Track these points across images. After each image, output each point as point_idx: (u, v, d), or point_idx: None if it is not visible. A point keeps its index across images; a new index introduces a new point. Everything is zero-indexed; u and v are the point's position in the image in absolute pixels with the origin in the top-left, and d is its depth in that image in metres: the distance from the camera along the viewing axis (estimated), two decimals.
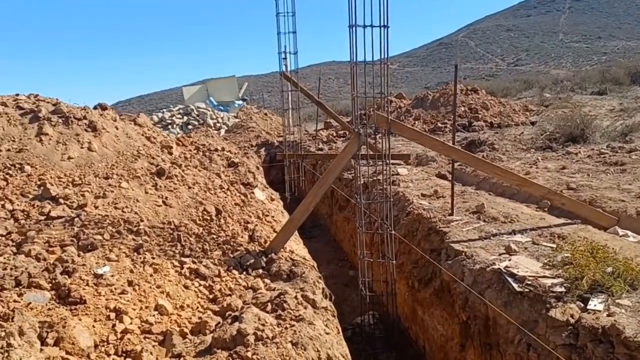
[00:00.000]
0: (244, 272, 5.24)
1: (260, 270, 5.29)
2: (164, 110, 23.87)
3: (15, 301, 3.75)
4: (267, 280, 5.07)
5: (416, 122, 16.78)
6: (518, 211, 6.72)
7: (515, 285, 4.45)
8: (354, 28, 5.23)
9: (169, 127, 20.15)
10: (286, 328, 3.77)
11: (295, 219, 5.96)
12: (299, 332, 3.66)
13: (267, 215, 7.17)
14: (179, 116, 21.02)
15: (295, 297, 4.36)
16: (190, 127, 20.27)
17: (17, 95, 6.78)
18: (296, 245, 6.85)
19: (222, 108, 27.12)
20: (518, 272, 4.62)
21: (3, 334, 2.74)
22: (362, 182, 6.24)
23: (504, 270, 4.74)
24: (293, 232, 6.10)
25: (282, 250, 5.78)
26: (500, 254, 5.21)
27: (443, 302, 5.61)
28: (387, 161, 5.87)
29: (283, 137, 14.08)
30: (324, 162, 13.00)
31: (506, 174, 6.37)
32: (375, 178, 7.95)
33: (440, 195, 7.77)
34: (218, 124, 20.94)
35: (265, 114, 22.29)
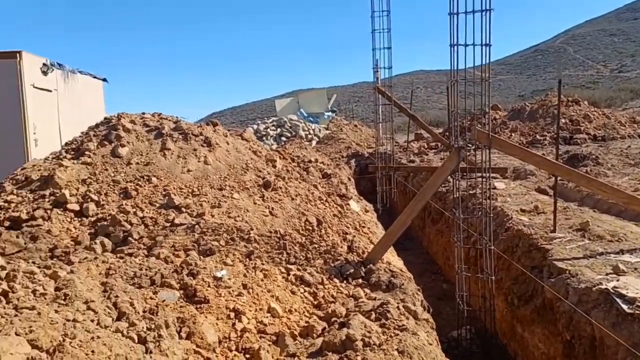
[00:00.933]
0: (345, 281, 5.51)
1: (360, 280, 5.53)
2: (259, 122, 25.02)
3: (151, 298, 4.27)
4: (367, 290, 5.30)
5: (512, 134, 16.32)
6: (626, 230, 6.45)
7: (624, 307, 4.34)
8: (455, 47, 5.37)
9: (264, 138, 21.12)
10: (391, 336, 3.97)
11: (393, 231, 6.15)
12: (404, 341, 3.86)
13: (363, 227, 7.43)
14: (273, 128, 21.97)
15: (397, 308, 4.56)
16: (283, 138, 21.12)
17: (144, 114, 7.60)
18: (392, 257, 7.04)
19: (312, 119, 27.91)
20: (628, 293, 4.50)
21: (153, 325, 3.20)
22: (458, 195, 6.30)
23: (612, 290, 4.63)
24: (390, 244, 6.30)
25: (379, 261, 6.00)
26: (607, 274, 5.08)
27: (545, 320, 5.53)
28: (487, 175, 5.91)
29: (374, 149, 14.31)
30: (416, 174, 13.06)
31: (613, 192, 6.15)
32: (471, 192, 7.94)
33: (540, 211, 7.61)
34: (309, 136, 21.63)
35: (355, 126, 22.66)
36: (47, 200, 5.96)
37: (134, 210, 5.88)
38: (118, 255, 5.20)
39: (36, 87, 14.23)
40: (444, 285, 9.62)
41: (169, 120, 7.46)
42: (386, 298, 4.88)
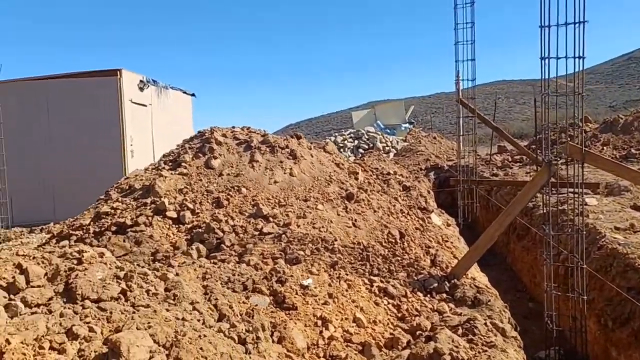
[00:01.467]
0: (428, 295, 5.51)
1: (444, 295, 5.51)
2: (336, 134, 25.35)
3: (244, 302, 4.52)
4: (451, 305, 5.26)
5: (604, 147, 15.42)
6: None
7: None
8: (546, 60, 5.26)
9: (341, 150, 21.36)
10: (479, 352, 3.95)
11: (480, 246, 6.06)
12: (493, 357, 3.82)
13: (446, 241, 7.37)
14: (350, 140, 22.19)
15: (485, 324, 4.51)
16: (360, 150, 21.27)
17: (234, 127, 8.03)
18: (477, 273, 6.92)
19: (388, 131, 27.85)
20: None
21: (251, 328, 3.41)
22: (547, 211, 6.10)
23: None
24: (476, 259, 6.21)
25: (464, 276, 5.93)
26: None
27: None
28: (580, 191, 5.70)
29: (455, 162, 14.06)
30: (500, 188, 12.68)
31: None
32: (561, 207, 7.64)
33: (637, 229, 7.17)
34: (387, 148, 21.63)
35: (435, 138, 22.38)
36: (148, 207, 6.45)
37: (226, 218, 6.23)
38: (212, 260, 5.54)
39: (133, 102, 15.40)
40: (530, 304, 9.25)
41: (257, 133, 7.84)
42: (472, 314, 4.83)
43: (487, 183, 12.90)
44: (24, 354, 2.37)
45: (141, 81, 15.83)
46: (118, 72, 14.64)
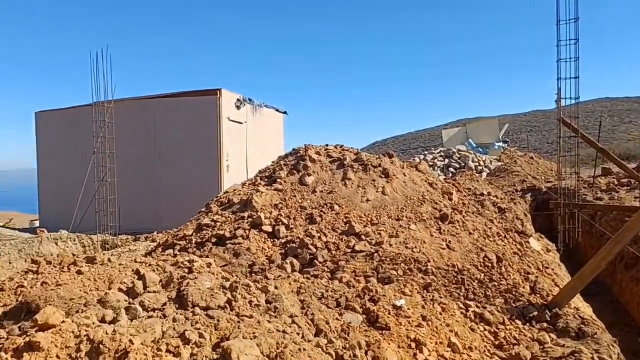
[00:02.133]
0: (528, 324, 5.25)
1: (545, 324, 5.22)
2: (425, 152, 24.95)
3: (337, 319, 4.57)
4: (553, 335, 4.98)
5: None
6: None
7: None
8: None
9: (431, 169, 20.91)
10: None
11: (584, 275, 5.69)
12: None
13: (547, 268, 6.99)
14: (441, 159, 21.72)
15: (592, 358, 4.22)
16: (451, 169, 20.75)
17: (327, 145, 8.21)
18: (580, 303, 6.50)
19: (481, 150, 26.95)
20: None
21: (348, 345, 3.45)
22: None
23: None
24: (580, 289, 5.83)
25: (566, 306, 5.59)
26: None
27: None
28: None
29: (555, 184, 13.31)
30: (605, 213, 11.82)
31: None
32: None
33: None
34: (480, 167, 20.92)
35: (532, 158, 21.33)
36: (246, 221, 6.74)
37: (319, 235, 6.35)
38: (305, 275, 5.66)
39: (231, 120, 16.22)
40: None
41: (350, 151, 7.95)
42: (577, 347, 4.54)
43: (590, 207, 12.07)
44: (145, 355, 2.58)
45: (238, 100, 16.64)
46: (218, 92, 15.52)
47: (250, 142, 17.64)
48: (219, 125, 15.48)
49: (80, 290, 3.54)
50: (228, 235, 6.53)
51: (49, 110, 18.14)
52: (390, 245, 6.18)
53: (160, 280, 3.54)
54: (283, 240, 6.39)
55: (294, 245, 6.22)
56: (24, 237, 15.48)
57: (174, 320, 3.15)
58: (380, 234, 6.36)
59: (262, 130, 18.52)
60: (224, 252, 6.04)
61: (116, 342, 2.64)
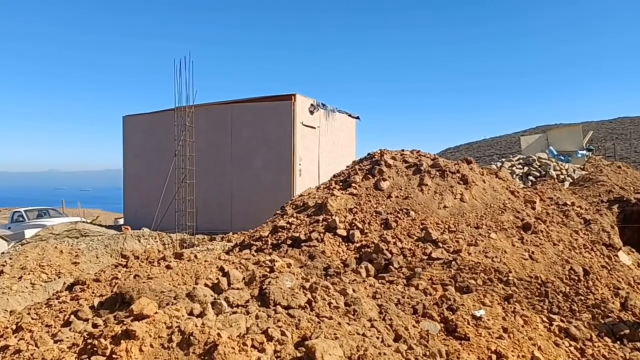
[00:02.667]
0: (618, 342, 4.92)
1: (638, 344, 4.87)
2: (503, 160, 24.04)
3: (414, 326, 4.49)
4: None
5: None
6: None
7: None
8: None
9: (511, 177, 20.05)
10: None
11: None
12: None
13: (638, 284, 6.51)
14: (519, 166, 20.81)
15: None
16: (531, 178, 19.83)
17: (403, 150, 8.12)
18: None
19: (562, 158, 25.57)
20: None
21: (428, 352, 3.38)
22: None
23: None
24: None
25: None
26: None
27: None
28: None
29: None
30: None
31: None
32: None
33: None
34: (562, 176, 19.82)
35: (619, 167, 19.96)
36: (320, 224, 6.80)
37: (394, 240, 6.28)
38: (380, 280, 5.61)
39: (304, 125, 16.45)
40: None
41: (427, 157, 7.81)
42: None
43: None
44: (232, 348, 2.65)
45: (312, 105, 16.85)
46: (293, 97, 15.79)
47: (322, 147, 17.79)
48: (293, 130, 15.74)
49: (169, 284, 3.72)
50: (303, 237, 6.62)
51: (135, 115, 19.27)
52: (469, 254, 6.00)
53: (243, 278, 3.63)
54: (357, 245, 6.38)
55: (369, 249, 6.19)
56: (109, 233, 16.47)
57: (257, 317, 3.23)
58: (458, 241, 6.20)
59: (334, 134, 18.64)
60: (300, 254, 6.12)
61: (205, 334, 2.74)
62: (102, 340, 2.74)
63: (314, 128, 17.22)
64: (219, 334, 2.75)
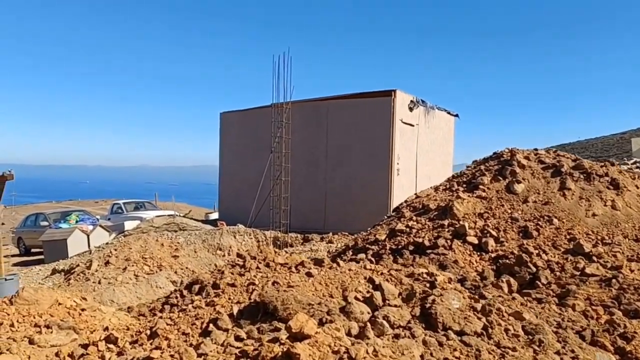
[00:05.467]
0: None
1: None
2: (614, 162, 21.89)
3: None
4: None
5: None
6: None
7: None
8: None
9: None
10: None
11: None
12: None
13: None
14: (638, 170, 18.83)
15: None
16: None
17: (536, 149, 7.27)
18: None
19: None
20: None
21: None
22: None
23: None
24: None
25: None
26: None
27: None
28: None
29: None
30: None
31: None
32: None
33: None
34: None
35: None
36: (446, 230, 6.16)
37: (537, 251, 5.52)
38: (525, 297, 4.89)
39: (403, 122, 15.75)
40: None
41: (567, 157, 6.92)
42: None
43: None
44: None
45: (412, 101, 16.11)
46: (393, 93, 15.14)
47: (420, 146, 17.00)
48: (392, 127, 15.09)
49: (312, 294, 3.28)
50: (427, 243, 6.02)
51: (231, 111, 19.48)
52: (632, 271, 5.12)
53: (400, 293, 3.13)
54: (493, 255, 5.68)
55: (508, 261, 5.48)
56: (206, 228, 16.71)
57: (424, 342, 2.71)
58: (615, 255, 5.32)
59: (432, 133, 17.76)
60: (428, 262, 5.53)
61: None
62: None
63: (413, 126, 16.47)
64: None
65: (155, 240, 14.35)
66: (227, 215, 18.74)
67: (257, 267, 5.25)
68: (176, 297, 5.13)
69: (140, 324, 3.68)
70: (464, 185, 7.02)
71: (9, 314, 3.87)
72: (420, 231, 6.41)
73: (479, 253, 5.79)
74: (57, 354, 3.47)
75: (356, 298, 3.14)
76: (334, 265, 3.70)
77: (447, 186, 7.36)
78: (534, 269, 5.27)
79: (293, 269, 3.76)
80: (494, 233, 5.88)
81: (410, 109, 16.12)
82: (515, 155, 6.89)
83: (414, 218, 6.78)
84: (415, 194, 7.86)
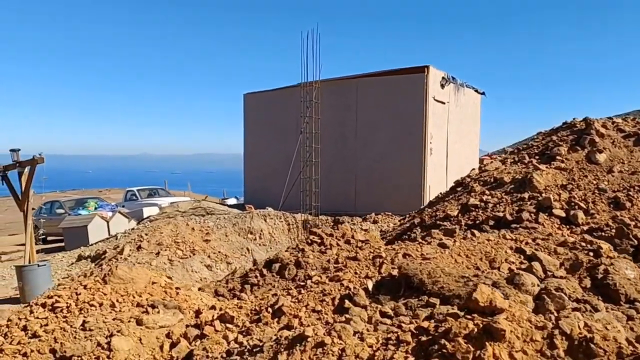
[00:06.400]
0: None
1: None
2: None
3: None
4: None
5: None
6: None
7: None
8: None
9: None
10: None
11: None
12: None
13: None
14: None
15: None
16: None
17: (612, 118, 6.93)
18: None
19: None
20: None
21: None
22: None
23: None
24: None
25: None
26: None
27: None
28: None
29: None
30: None
31: None
32: None
33: None
34: None
35: None
36: (528, 203, 5.85)
37: (634, 223, 5.20)
38: None
39: (436, 100, 15.36)
40: None
41: None
42: None
43: None
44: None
45: (443, 78, 15.70)
46: (426, 69, 14.73)
47: (451, 123, 16.61)
48: (425, 105, 14.70)
49: (454, 266, 2.99)
50: (509, 217, 5.72)
51: (256, 92, 19.09)
52: None
53: (562, 264, 2.83)
54: (585, 227, 5.37)
55: (604, 233, 5.16)
56: (234, 212, 16.45)
57: (616, 317, 2.41)
58: None
59: (461, 111, 17.35)
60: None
61: (609, 340, 1.96)
62: (459, 340, 2.04)
63: (444, 103, 16.07)
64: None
65: (185, 225, 14.09)
66: (254, 198, 18.47)
67: (338, 245, 4.96)
68: (255, 277, 4.86)
69: (262, 301, 3.40)
70: (537, 157, 6.70)
71: (105, 294, 3.61)
72: (497, 205, 6.10)
73: (568, 226, 5.48)
74: (168, 335, 3.22)
75: (510, 270, 2.85)
76: (469, 235, 3.41)
77: (516, 158, 7.03)
78: (636, 242, 4.96)
79: (420, 241, 3.47)
80: (582, 205, 5.57)
81: (442, 86, 15.72)
82: (593, 124, 6.55)
83: (487, 192, 6.47)
84: (480, 167, 7.54)
